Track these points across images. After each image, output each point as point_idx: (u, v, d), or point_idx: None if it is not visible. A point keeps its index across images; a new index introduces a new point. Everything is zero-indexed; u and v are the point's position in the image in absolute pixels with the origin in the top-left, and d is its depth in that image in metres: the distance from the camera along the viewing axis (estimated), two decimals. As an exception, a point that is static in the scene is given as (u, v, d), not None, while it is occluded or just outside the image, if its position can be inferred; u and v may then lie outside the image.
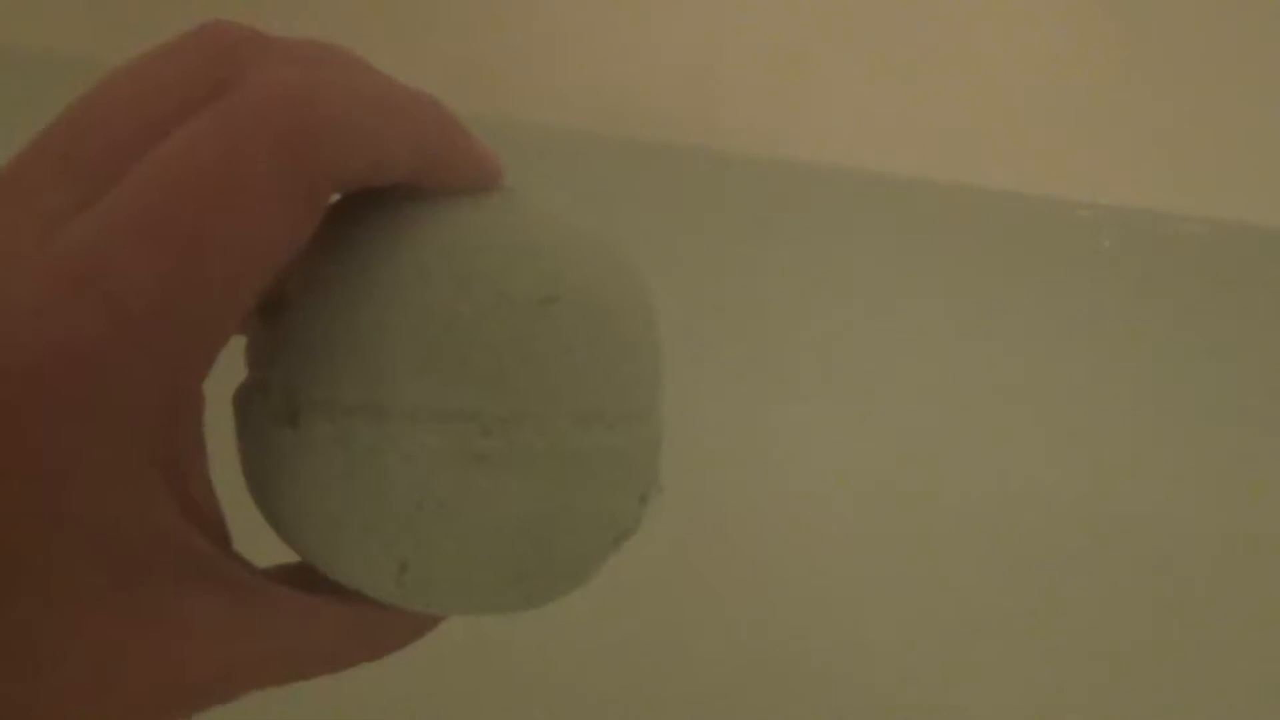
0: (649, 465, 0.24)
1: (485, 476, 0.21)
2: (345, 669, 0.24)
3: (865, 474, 0.75)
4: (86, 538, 0.19)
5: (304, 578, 0.23)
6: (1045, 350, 0.77)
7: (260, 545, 0.24)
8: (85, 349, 0.18)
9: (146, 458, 0.19)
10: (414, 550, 0.22)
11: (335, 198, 0.23)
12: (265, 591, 0.22)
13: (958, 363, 0.77)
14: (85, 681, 0.20)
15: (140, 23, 0.82)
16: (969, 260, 0.79)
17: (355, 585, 0.23)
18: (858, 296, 0.78)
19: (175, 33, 0.22)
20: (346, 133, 0.20)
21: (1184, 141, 0.79)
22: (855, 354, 0.77)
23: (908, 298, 0.78)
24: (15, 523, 0.18)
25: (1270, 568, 0.71)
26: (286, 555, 0.24)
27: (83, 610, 0.19)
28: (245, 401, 0.23)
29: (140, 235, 0.18)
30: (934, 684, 0.69)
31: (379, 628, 0.24)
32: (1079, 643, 0.70)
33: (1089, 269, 0.78)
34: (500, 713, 0.66)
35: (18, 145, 0.21)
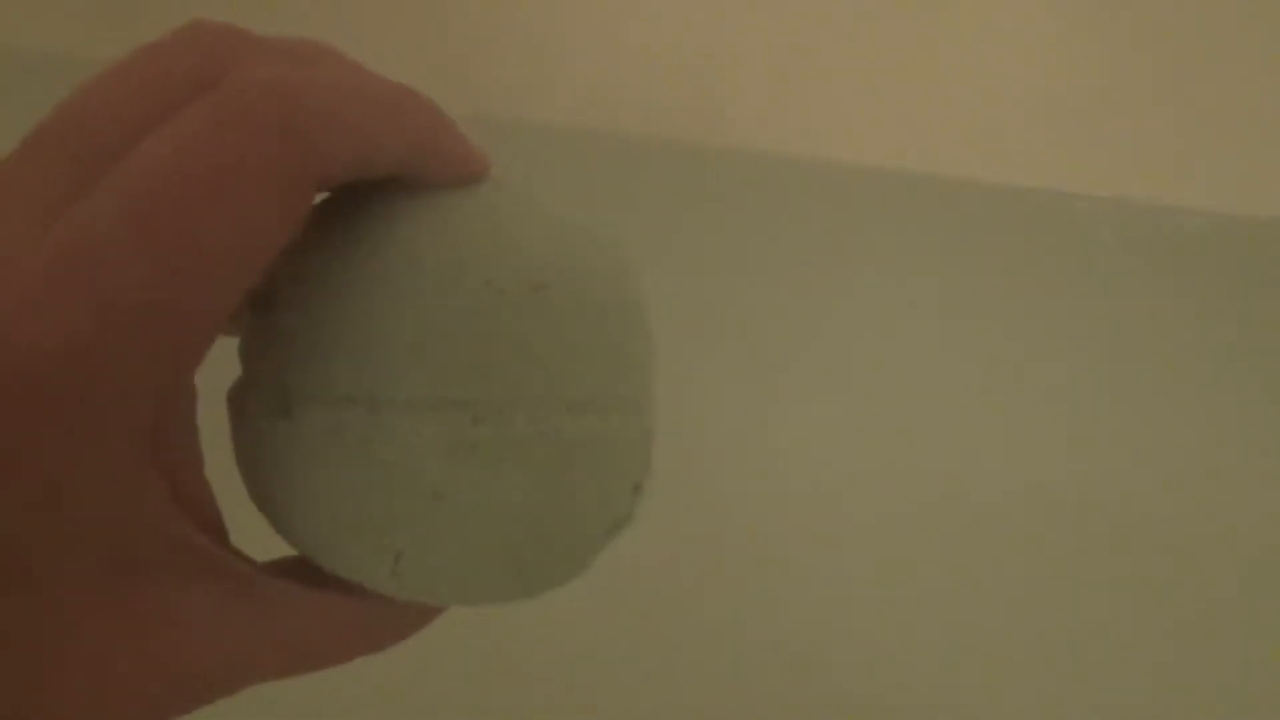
0: (642, 454, 0.24)
1: (478, 465, 0.21)
2: (345, 662, 0.24)
3: (866, 469, 0.75)
4: (81, 536, 0.19)
5: (301, 571, 0.23)
6: (1047, 343, 0.77)
7: (258, 540, 0.24)
8: (76, 344, 0.18)
9: (140, 453, 0.19)
10: (409, 540, 0.22)
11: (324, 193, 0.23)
12: (262, 585, 0.22)
13: (959, 356, 0.77)
14: (85, 679, 0.20)
15: (139, 23, 0.83)
16: (971, 254, 0.79)
17: (352, 577, 0.23)
18: (859, 290, 0.78)
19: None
20: (335, 127, 0.20)
21: (1184, 134, 0.79)
22: (857, 348, 0.77)
23: (910, 291, 0.78)
24: (9, 522, 0.18)
25: (1277, 559, 0.71)
26: (284, 549, 0.24)
27: (80, 608, 0.19)
28: (239, 397, 0.23)
29: (130, 230, 0.19)
30: (937, 682, 0.69)
31: (377, 620, 0.24)
32: (1082, 640, 0.70)
33: (1090, 261, 0.78)
34: (501, 708, 0.66)
35: (12, 142, 0.21)
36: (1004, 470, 0.74)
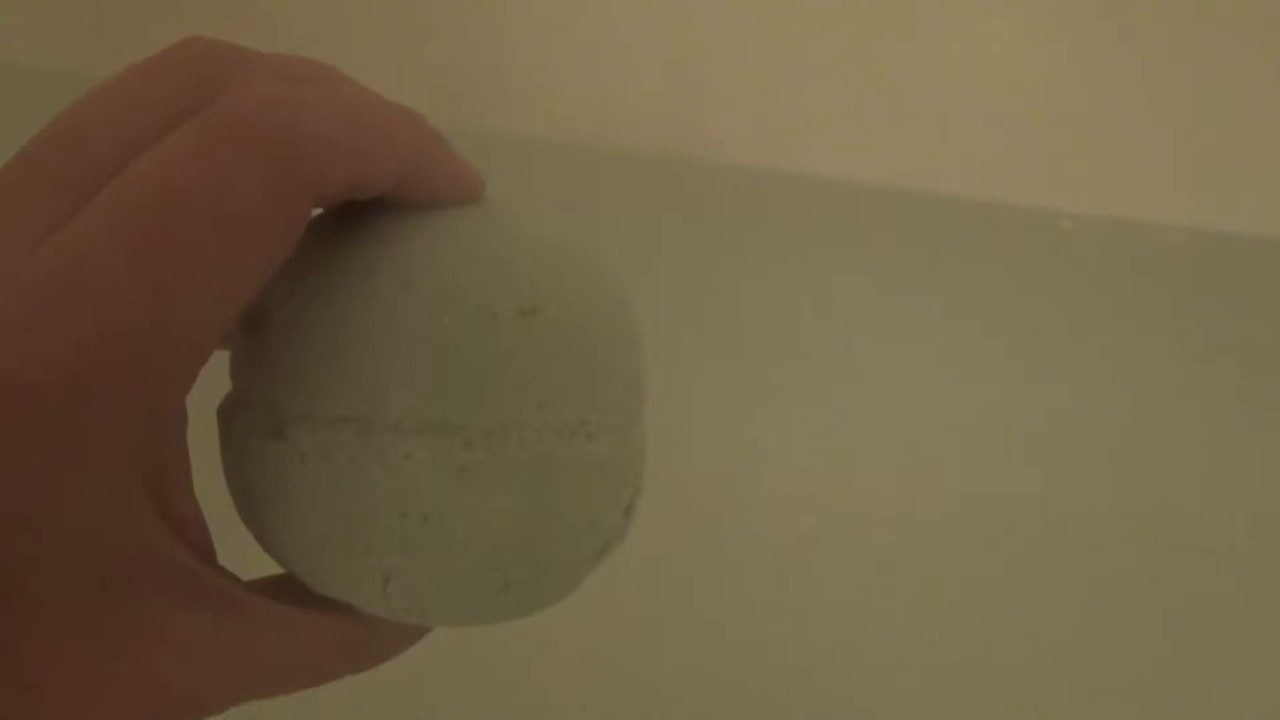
0: (632, 476, 0.24)
1: (468, 488, 0.21)
2: (332, 681, 0.24)
3: (852, 480, 0.75)
4: (70, 553, 0.19)
5: (290, 590, 0.23)
6: (1031, 357, 0.77)
7: (246, 559, 0.24)
8: (66, 366, 0.18)
9: (130, 472, 0.19)
10: (398, 561, 0.22)
11: (317, 212, 0.23)
12: (250, 605, 0.22)
13: (942, 370, 0.77)
14: (71, 698, 0.20)
15: (133, 39, 0.83)
16: (953, 269, 0.79)
17: (340, 597, 0.23)
18: (843, 305, 0.79)
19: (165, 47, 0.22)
20: (329, 147, 0.20)
21: (1167, 152, 0.79)
22: (841, 361, 0.77)
23: (893, 306, 0.78)
24: None
25: (1258, 570, 0.71)
26: (271, 568, 0.24)
27: (67, 627, 0.19)
28: (229, 416, 0.23)
29: (121, 251, 0.18)
30: (925, 685, 0.69)
31: (365, 640, 0.24)
32: (1070, 648, 0.70)
33: (1074, 277, 0.79)
34: (488, 715, 0.66)
35: (4, 159, 0.21)
36: (989, 480, 0.74)
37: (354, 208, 0.23)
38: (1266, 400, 0.75)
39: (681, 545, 0.72)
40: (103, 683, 0.20)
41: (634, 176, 0.82)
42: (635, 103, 0.83)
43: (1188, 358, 0.76)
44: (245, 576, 0.23)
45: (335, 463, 0.21)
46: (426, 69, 0.85)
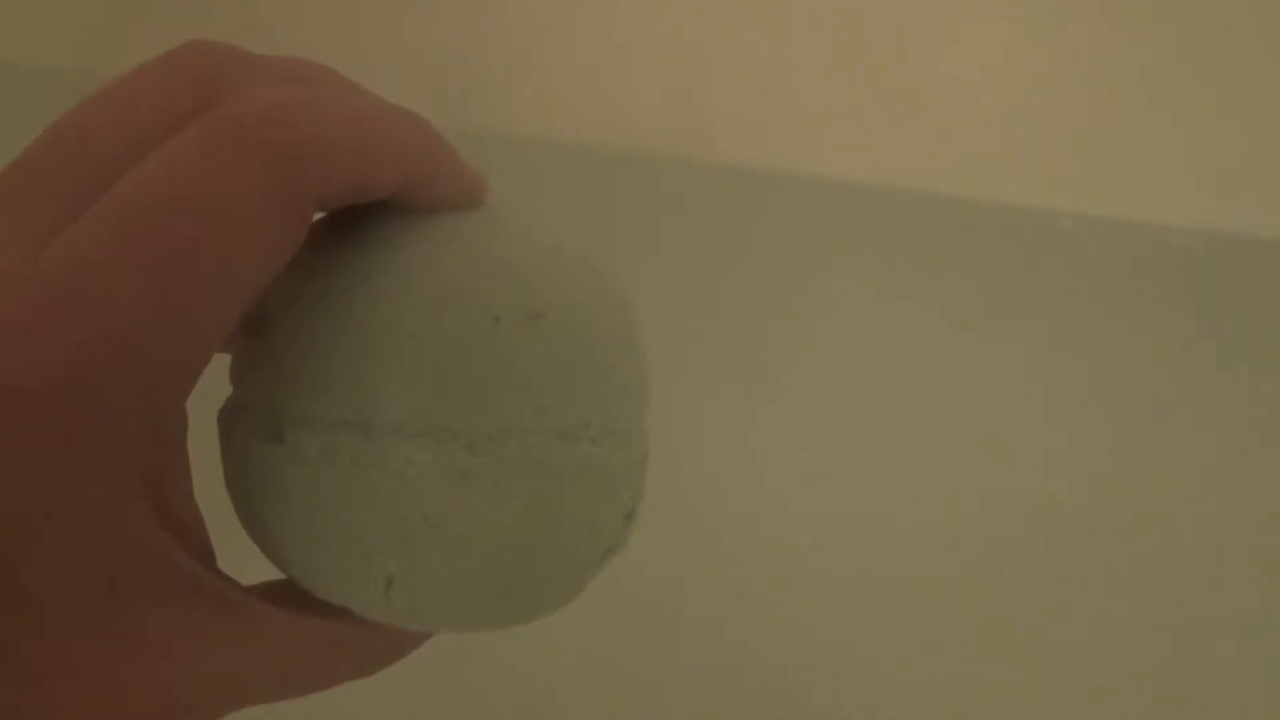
0: (635, 481, 0.24)
1: (470, 492, 0.21)
2: (332, 687, 0.24)
3: (853, 486, 0.75)
4: (69, 556, 0.19)
5: (290, 595, 0.23)
6: (1029, 357, 0.77)
7: (246, 563, 0.24)
8: (67, 369, 0.18)
9: (130, 474, 0.19)
10: (399, 565, 0.22)
11: (320, 215, 0.23)
12: (250, 609, 0.22)
13: (943, 372, 0.77)
14: (70, 698, 0.20)
15: (138, 38, 0.83)
16: (955, 271, 0.79)
17: (341, 602, 0.23)
18: (845, 308, 0.79)
19: (166, 47, 0.22)
20: (331, 151, 0.20)
21: (1169, 152, 0.79)
22: (842, 366, 0.77)
23: (893, 306, 0.78)
24: None
25: (1263, 574, 0.72)
26: (272, 573, 0.24)
27: (66, 629, 0.19)
28: (230, 419, 0.23)
29: (122, 254, 0.18)
30: (931, 696, 0.69)
31: (365, 645, 0.24)
32: (1074, 653, 0.70)
33: (1075, 279, 0.79)
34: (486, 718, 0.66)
35: (7, 160, 0.21)
36: (989, 484, 0.74)
37: (357, 211, 0.23)
38: (1268, 402, 0.75)
39: (681, 546, 0.72)
40: (102, 684, 0.20)
41: (634, 176, 0.82)
42: (635, 103, 0.83)
43: (1189, 358, 0.76)
44: (245, 582, 0.23)
45: (336, 466, 0.21)
46: (426, 69, 0.85)
